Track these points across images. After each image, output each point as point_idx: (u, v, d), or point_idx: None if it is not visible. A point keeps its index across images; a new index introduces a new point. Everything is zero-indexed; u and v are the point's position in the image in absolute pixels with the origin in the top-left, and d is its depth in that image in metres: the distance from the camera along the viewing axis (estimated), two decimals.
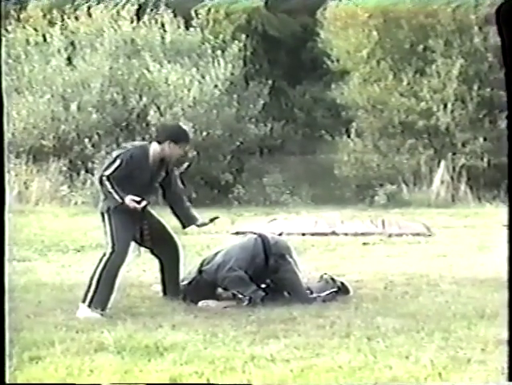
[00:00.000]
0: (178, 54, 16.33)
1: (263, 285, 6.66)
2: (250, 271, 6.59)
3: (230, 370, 4.68)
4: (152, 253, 6.81)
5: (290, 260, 6.72)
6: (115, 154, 6.39)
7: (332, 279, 6.89)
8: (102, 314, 6.06)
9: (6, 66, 16.00)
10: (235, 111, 16.18)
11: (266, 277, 6.70)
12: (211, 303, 6.47)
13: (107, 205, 6.33)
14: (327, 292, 6.72)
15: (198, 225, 6.82)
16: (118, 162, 6.26)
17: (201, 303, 6.47)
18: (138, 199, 6.27)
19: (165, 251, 6.72)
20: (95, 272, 6.24)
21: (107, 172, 6.23)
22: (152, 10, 16.44)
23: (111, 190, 6.22)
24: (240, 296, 6.50)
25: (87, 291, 6.20)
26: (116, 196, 6.23)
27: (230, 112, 16.08)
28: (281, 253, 6.71)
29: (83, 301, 6.17)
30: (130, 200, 6.24)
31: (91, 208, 14.12)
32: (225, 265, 6.53)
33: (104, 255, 6.27)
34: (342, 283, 6.88)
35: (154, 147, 6.41)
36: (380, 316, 5.98)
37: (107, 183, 6.22)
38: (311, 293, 6.64)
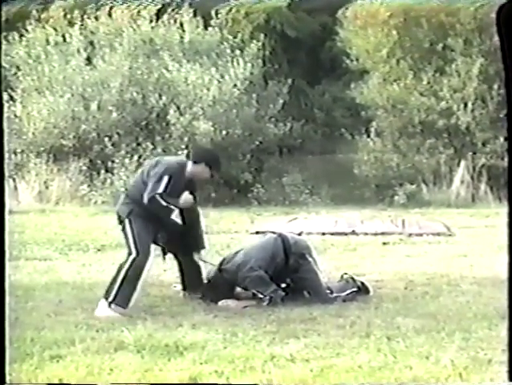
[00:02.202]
0: (197, 53, 16.35)
1: (283, 285, 6.66)
2: (270, 271, 6.59)
3: (250, 369, 4.68)
4: (170, 251, 6.89)
5: (310, 259, 6.71)
6: (160, 171, 6.43)
7: (352, 279, 6.88)
8: (122, 314, 6.08)
9: (26, 66, 16.11)
10: (254, 111, 16.19)
11: (286, 276, 6.70)
12: (231, 303, 6.47)
13: (129, 209, 6.43)
14: (348, 292, 6.71)
15: (200, 258, 6.90)
16: (166, 179, 6.37)
17: (220, 303, 6.47)
18: (189, 195, 6.46)
19: (184, 249, 6.81)
20: (118, 271, 6.28)
21: (160, 190, 6.33)
22: (173, 10, 16.48)
23: (165, 204, 6.36)
24: (260, 296, 6.50)
25: (109, 289, 6.23)
26: (173, 207, 6.42)
27: (250, 112, 16.08)
28: (301, 252, 6.70)
29: (106, 299, 6.20)
30: (185, 199, 6.43)
31: (111, 208, 14.15)
32: (246, 265, 6.53)
33: (128, 257, 6.31)
34: (362, 283, 6.86)
35: (190, 166, 6.55)
36: (401, 316, 5.96)
37: (160, 200, 6.34)
38: (332, 292, 6.63)
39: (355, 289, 6.74)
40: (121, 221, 6.52)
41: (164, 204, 6.38)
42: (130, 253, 6.35)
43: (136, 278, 6.26)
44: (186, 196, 6.48)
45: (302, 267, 6.64)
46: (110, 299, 6.18)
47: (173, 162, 6.65)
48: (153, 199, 6.35)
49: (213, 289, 6.60)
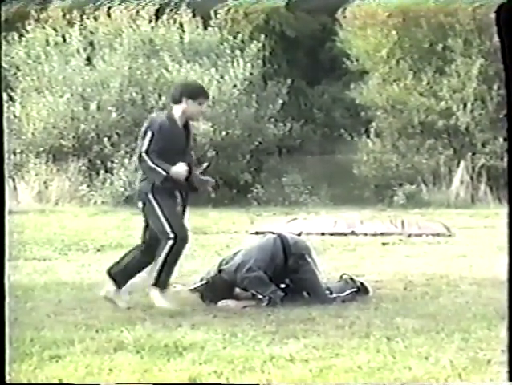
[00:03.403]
0: (197, 54, 16.37)
1: (282, 285, 6.65)
2: (270, 271, 6.59)
3: (249, 369, 4.67)
4: None
5: (310, 260, 6.71)
6: (143, 128, 6.10)
7: (352, 279, 6.88)
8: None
9: (26, 66, 16.11)
10: (254, 111, 16.20)
11: (285, 276, 6.70)
12: (230, 303, 6.47)
13: (151, 184, 6.06)
14: (347, 292, 6.71)
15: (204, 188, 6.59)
16: (149, 134, 6.01)
17: (220, 303, 6.47)
18: (185, 167, 6.03)
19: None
20: (158, 256, 6.10)
21: (144, 148, 5.98)
22: (171, 10, 16.49)
23: (153, 165, 5.96)
24: (259, 296, 6.50)
25: (153, 274, 6.15)
26: (160, 170, 5.97)
27: (249, 112, 16.09)
28: (300, 253, 6.70)
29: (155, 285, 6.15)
30: (178, 168, 6.00)
31: (110, 208, 14.22)
32: (245, 265, 6.52)
33: (166, 242, 6.06)
34: (361, 283, 6.86)
35: (176, 110, 6.18)
36: (400, 316, 5.96)
37: (146, 158, 5.96)
38: (331, 293, 6.63)
39: (354, 290, 6.74)
40: (144, 202, 6.15)
41: (150, 163, 5.97)
42: (163, 236, 6.05)
43: (175, 261, 6.14)
44: (180, 166, 6.03)
45: (301, 268, 6.64)
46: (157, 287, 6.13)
47: (158, 115, 6.33)
48: (140, 158, 6.03)
49: (212, 289, 6.60)
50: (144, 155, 5.99)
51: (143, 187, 6.16)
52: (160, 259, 6.11)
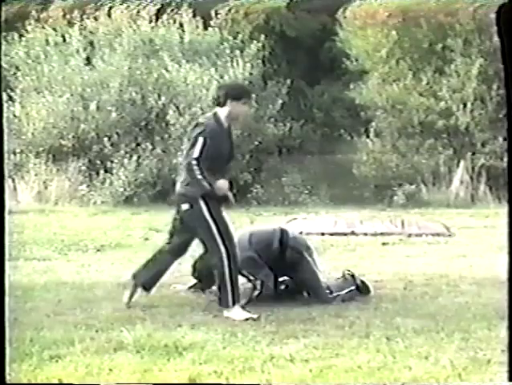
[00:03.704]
0: (197, 54, 16.35)
1: (281, 279, 6.63)
2: (264, 257, 6.52)
3: (249, 369, 4.68)
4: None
5: (309, 259, 6.70)
6: (194, 134, 5.98)
7: (353, 276, 6.86)
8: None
9: (25, 66, 16.10)
10: (254, 111, 16.16)
11: (283, 270, 6.64)
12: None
13: (203, 189, 5.95)
14: (347, 290, 6.70)
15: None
16: (201, 141, 5.87)
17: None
18: (227, 184, 5.96)
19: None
20: (223, 273, 6.01)
21: (196, 155, 5.83)
22: (172, 10, 16.48)
23: (200, 176, 5.85)
24: (251, 278, 6.44)
25: (222, 293, 6.06)
26: (205, 184, 5.87)
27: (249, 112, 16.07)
28: (299, 249, 6.67)
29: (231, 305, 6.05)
30: (221, 185, 5.95)
31: (110, 208, 14.22)
32: (239, 245, 6.33)
33: (220, 256, 5.96)
34: (362, 281, 6.85)
35: (222, 112, 6.12)
36: (400, 316, 5.97)
37: (196, 168, 5.84)
38: (331, 292, 6.62)
39: (353, 288, 6.73)
40: (191, 204, 6.00)
41: (198, 174, 5.82)
42: (215, 251, 5.97)
43: (236, 274, 6.03)
44: (223, 182, 5.97)
45: (300, 265, 6.61)
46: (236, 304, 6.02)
47: (207, 118, 6.18)
48: (189, 165, 5.87)
49: (207, 274, 6.52)
50: (193, 163, 5.86)
51: (189, 191, 6.02)
52: (226, 278, 6.00)
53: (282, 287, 6.67)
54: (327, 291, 6.60)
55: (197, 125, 6.13)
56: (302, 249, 6.70)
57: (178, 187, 6.15)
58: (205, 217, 5.98)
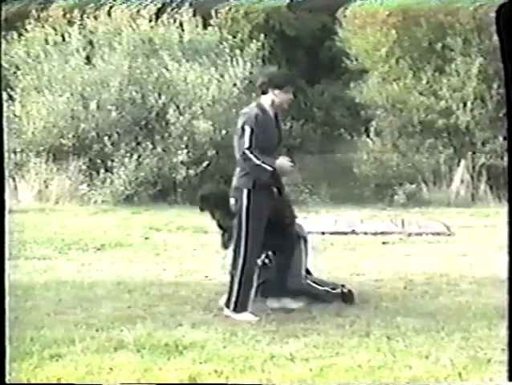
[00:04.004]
0: (196, 53, 16.35)
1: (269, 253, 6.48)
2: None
3: (249, 369, 4.68)
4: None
5: (303, 248, 6.59)
6: (239, 125, 5.91)
7: (341, 285, 6.67)
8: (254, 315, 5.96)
9: (25, 65, 16.10)
10: None
11: (273, 241, 6.38)
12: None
13: (252, 180, 5.89)
14: (325, 288, 6.50)
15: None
16: (248, 130, 5.82)
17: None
18: (287, 161, 5.87)
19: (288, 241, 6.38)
20: (235, 275, 5.99)
21: (247, 144, 5.79)
22: (173, 9, 16.47)
23: (258, 161, 5.79)
24: None
25: (229, 294, 6.04)
26: (266, 166, 5.80)
27: None
28: (298, 233, 6.60)
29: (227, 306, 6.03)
30: (282, 163, 5.85)
31: (110, 207, 14.21)
32: None
33: (240, 257, 5.95)
34: (349, 291, 6.57)
35: (265, 100, 6.02)
36: (400, 315, 5.97)
37: (251, 156, 5.79)
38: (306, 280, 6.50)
39: (332, 290, 6.49)
40: (236, 199, 5.98)
41: (256, 161, 5.78)
42: (237, 248, 5.94)
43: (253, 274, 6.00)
44: (283, 160, 5.89)
45: (291, 247, 6.48)
46: (231, 308, 5.98)
47: (251, 108, 6.03)
48: (243, 155, 5.82)
49: (208, 198, 6.46)
50: (247, 152, 5.81)
51: (241, 183, 5.98)
52: (236, 282, 5.99)
53: (266, 260, 6.51)
54: (304, 274, 6.47)
55: (241, 116, 6.08)
56: (300, 236, 6.63)
57: (234, 181, 6.12)
58: (241, 213, 5.94)
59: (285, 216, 6.35)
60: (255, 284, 6.05)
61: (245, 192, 5.91)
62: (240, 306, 5.98)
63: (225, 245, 6.52)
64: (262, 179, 5.86)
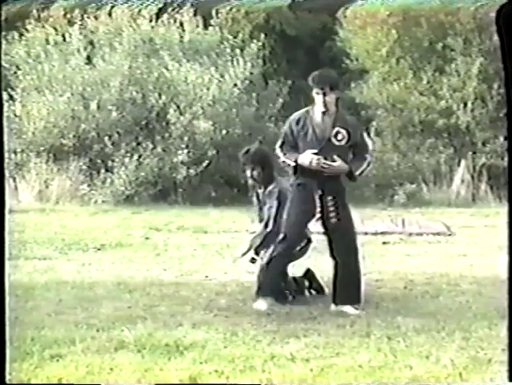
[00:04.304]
0: (197, 53, 16.35)
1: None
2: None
3: (250, 369, 4.68)
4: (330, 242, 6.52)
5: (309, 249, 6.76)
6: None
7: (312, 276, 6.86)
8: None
9: (26, 65, 16.10)
10: (254, 110, 16.18)
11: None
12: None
13: (289, 180, 6.13)
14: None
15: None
16: (284, 130, 6.12)
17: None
18: (311, 155, 5.92)
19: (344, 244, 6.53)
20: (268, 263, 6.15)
21: (278, 144, 6.08)
22: (173, 9, 16.47)
23: (283, 157, 6.00)
24: None
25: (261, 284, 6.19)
26: (289, 161, 5.99)
27: (250, 111, 16.07)
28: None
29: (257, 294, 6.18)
30: (304, 157, 5.95)
31: (110, 207, 14.22)
32: None
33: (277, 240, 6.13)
34: (319, 284, 6.83)
35: (317, 99, 6.04)
36: (400, 315, 5.97)
37: (279, 153, 6.03)
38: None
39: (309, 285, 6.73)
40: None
41: (282, 158, 6.00)
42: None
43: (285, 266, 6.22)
44: (307, 154, 5.94)
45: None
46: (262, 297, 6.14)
47: (299, 112, 6.17)
48: (276, 156, 6.08)
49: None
50: (277, 150, 6.07)
51: (281, 185, 6.32)
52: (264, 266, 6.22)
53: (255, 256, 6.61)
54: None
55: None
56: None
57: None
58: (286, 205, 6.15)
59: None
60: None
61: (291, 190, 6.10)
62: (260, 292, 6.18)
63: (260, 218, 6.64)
64: (290, 173, 6.08)
